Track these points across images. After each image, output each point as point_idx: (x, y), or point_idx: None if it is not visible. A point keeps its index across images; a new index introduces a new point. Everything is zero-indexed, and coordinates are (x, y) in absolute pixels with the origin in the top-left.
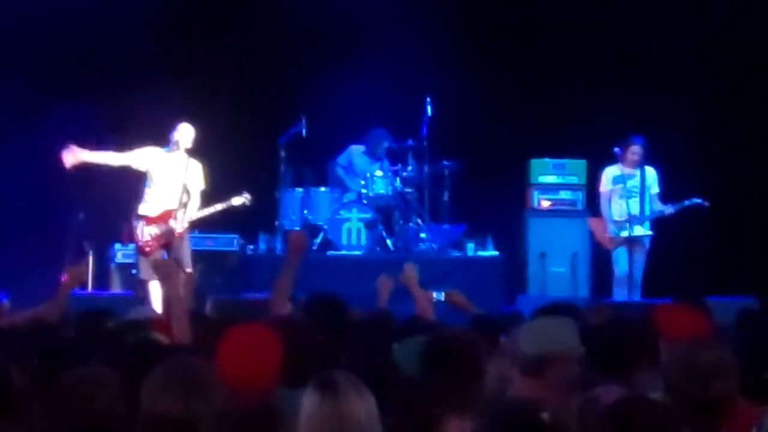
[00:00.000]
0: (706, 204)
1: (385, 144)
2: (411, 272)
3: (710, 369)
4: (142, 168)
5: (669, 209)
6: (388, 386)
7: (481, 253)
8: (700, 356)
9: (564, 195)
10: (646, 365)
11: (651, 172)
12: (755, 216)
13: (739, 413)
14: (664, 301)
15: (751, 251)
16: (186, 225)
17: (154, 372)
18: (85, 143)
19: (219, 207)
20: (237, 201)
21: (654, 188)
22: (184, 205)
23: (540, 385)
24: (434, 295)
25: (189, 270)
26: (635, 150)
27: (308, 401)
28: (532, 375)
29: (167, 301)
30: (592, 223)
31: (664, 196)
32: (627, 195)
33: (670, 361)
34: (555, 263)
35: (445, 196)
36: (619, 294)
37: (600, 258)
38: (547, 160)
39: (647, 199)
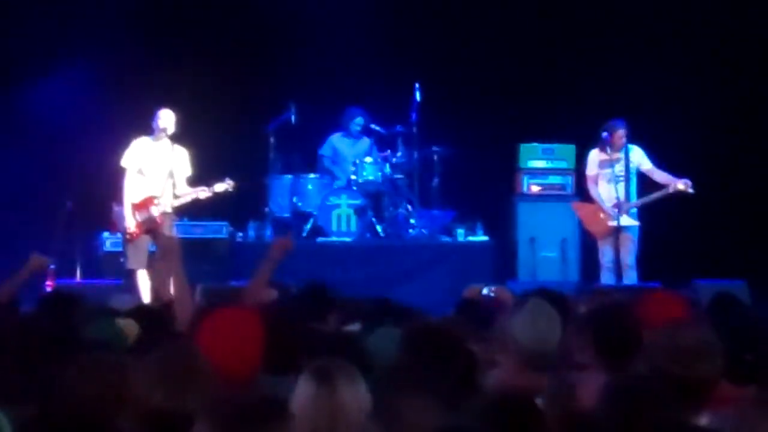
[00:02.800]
0: (691, 191)
1: (359, 120)
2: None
3: (692, 351)
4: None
5: (653, 196)
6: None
7: (471, 238)
8: (682, 338)
9: (553, 180)
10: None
11: (637, 152)
12: (743, 199)
13: (723, 396)
14: (653, 285)
15: (741, 234)
16: (168, 210)
17: (148, 362)
18: (70, 131)
19: (202, 195)
20: (220, 187)
21: (645, 164)
22: (170, 192)
23: (537, 376)
24: (484, 289)
25: None
26: (622, 134)
27: (303, 390)
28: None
29: (169, 276)
30: (580, 209)
31: (651, 183)
32: (615, 180)
33: (652, 344)
34: (545, 248)
35: (435, 182)
36: (608, 279)
37: (589, 243)
38: (536, 144)
39: (633, 183)
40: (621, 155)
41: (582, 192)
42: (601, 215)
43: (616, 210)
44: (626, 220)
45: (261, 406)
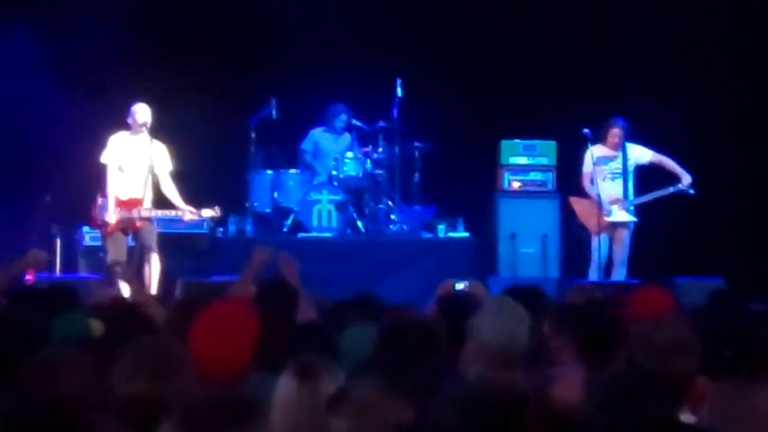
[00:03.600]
0: (692, 191)
1: (343, 117)
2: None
3: (669, 345)
4: (119, 162)
5: (652, 195)
6: None
7: (451, 234)
8: (659, 333)
9: (534, 176)
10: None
11: (634, 150)
12: (723, 196)
13: (701, 391)
14: (634, 282)
15: (721, 232)
16: (150, 215)
17: (126, 354)
18: (49, 125)
19: (188, 216)
20: (207, 213)
21: (645, 157)
22: (151, 189)
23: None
24: (457, 285)
25: (155, 253)
26: (615, 132)
27: (285, 385)
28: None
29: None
30: (576, 203)
31: (648, 182)
32: (611, 177)
33: (631, 339)
34: (525, 244)
35: (416, 178)
36: (594, 275)
37: (570, 239)
38: (517, 141)
39: (630, 181)
40: (617, 152)
41: (562, 188)
42: (597, 210)
43: (613, 206)
44: (623, 216)
45: (232, 405)
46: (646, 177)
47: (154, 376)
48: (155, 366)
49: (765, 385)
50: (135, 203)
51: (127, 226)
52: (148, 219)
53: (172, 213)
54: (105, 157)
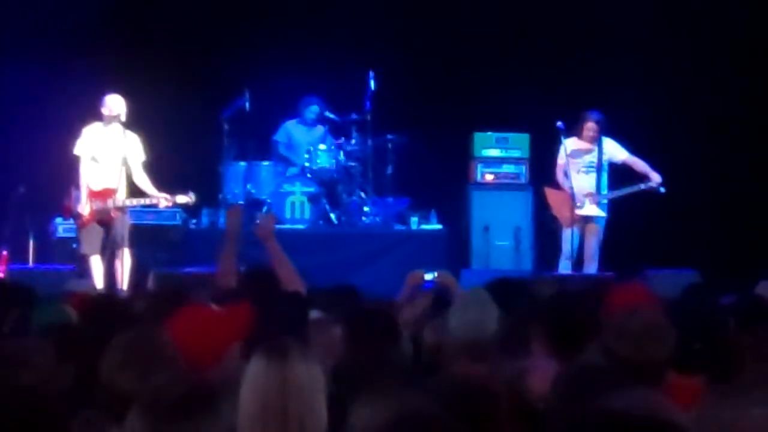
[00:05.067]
0: (662, 190)
1: (314, 108)
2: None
3: (643, 332)
4: (90, 153)
5: (624, 191)
6: None
7: (424, 226)
8: (634, 320)
9: (507, 168)
10: (592, 342)
11: (610, 144)
12: (696, 189)
13: (672, 386)
14: (607, 275)
15: (693, 224)
16: (124, 204)
17: (113, 346)
18: (22, 116)
19: (162, 203)
20: (181, 199)
21: (620, 155)
22: (125, 180)
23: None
24: (426, 275)
25: (126, 248)
26: (590, 126)
27: (254, 366)
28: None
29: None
30: (550, 194)
31: (622, 176)
32: (585, 170)
33: (605, 328)
34: (498, 237)
35: (389, 170)
36: (565, 268)
37: (543, 231)
38: (490, 133)
39: (604, 176)
40: (592, 146)
41: (535, 181)
42: (570, 203)
43: (586, 199)
44: (595, 210)
45: (196, 396)
46: (621, 171)
47: (141, 369)
48: (143, 358)
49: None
50: (109, 193)
51: (103, 217)
52: (123, 209)
53: (147, 201)
54: (78, 149)
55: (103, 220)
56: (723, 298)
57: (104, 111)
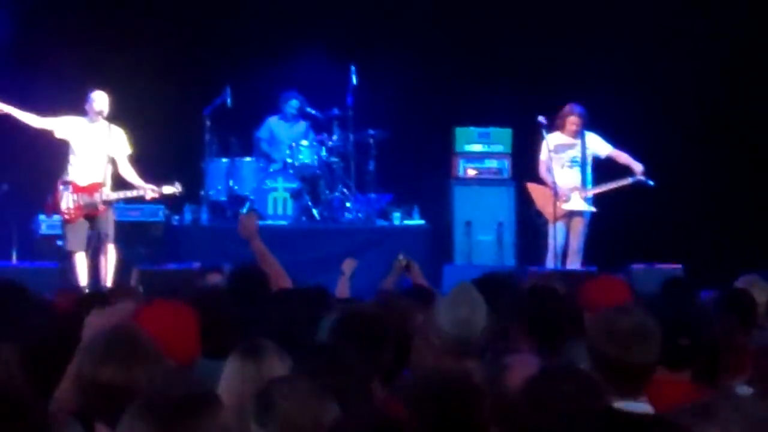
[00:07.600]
0: (650, 183)
1: (294, 102)
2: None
3: (630, 333)
4: (64, 136)
5: (611, 185)
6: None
7: (407, 222)
8: (620, 321)
9: (489, 163)
10: (574, 336)
11: (593, 139)
12: (681, 183)
13: (659, 382)
14: (590, 269)
15: (677, 219)
16: (110, 199)
17: (95, 340)
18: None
19: (149, 194)
20: (168, 190)
21: (602, 150)
22: (110, 175)
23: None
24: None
25: (111, 243)
26: (572, 120)
27: (230, 366)
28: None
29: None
30: (534, 190)
31: (606, 170)
32: (569, 165)
33: (591, 327)
34: (481, 232)
35: (371, 166)
36: (552, 263)
37: (525, 226)
38: (472, 128)
39: (588, 170)
40: (575, 140)
41: (518, 176)
42: (553, 198)
43: (573, 193)
44: (581, 205)
45: (193, 398)
46: (605, 166)
47: (124, 363)
48: (125, 353)
49: None
50: (96, 188)
51: (90, 212)
52: (110, 203)
53: (134, 193)
54: (60, 133)
55: (90, 215)
56: (703, 292)
57: (88, 107)
